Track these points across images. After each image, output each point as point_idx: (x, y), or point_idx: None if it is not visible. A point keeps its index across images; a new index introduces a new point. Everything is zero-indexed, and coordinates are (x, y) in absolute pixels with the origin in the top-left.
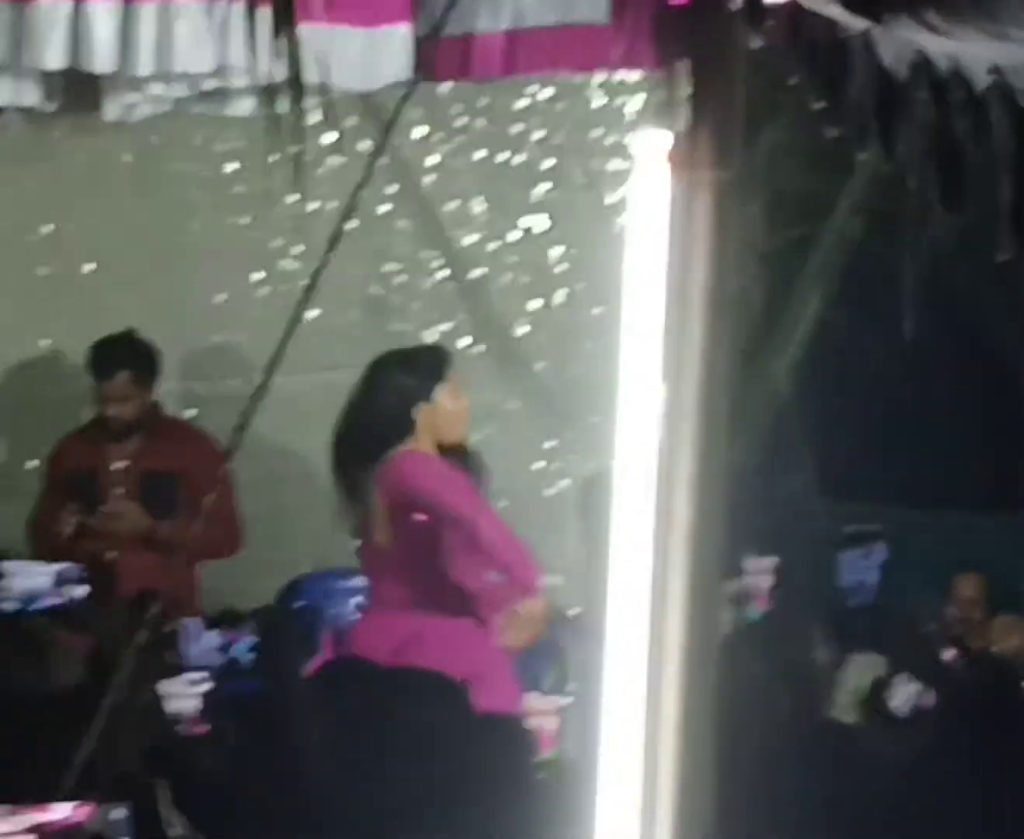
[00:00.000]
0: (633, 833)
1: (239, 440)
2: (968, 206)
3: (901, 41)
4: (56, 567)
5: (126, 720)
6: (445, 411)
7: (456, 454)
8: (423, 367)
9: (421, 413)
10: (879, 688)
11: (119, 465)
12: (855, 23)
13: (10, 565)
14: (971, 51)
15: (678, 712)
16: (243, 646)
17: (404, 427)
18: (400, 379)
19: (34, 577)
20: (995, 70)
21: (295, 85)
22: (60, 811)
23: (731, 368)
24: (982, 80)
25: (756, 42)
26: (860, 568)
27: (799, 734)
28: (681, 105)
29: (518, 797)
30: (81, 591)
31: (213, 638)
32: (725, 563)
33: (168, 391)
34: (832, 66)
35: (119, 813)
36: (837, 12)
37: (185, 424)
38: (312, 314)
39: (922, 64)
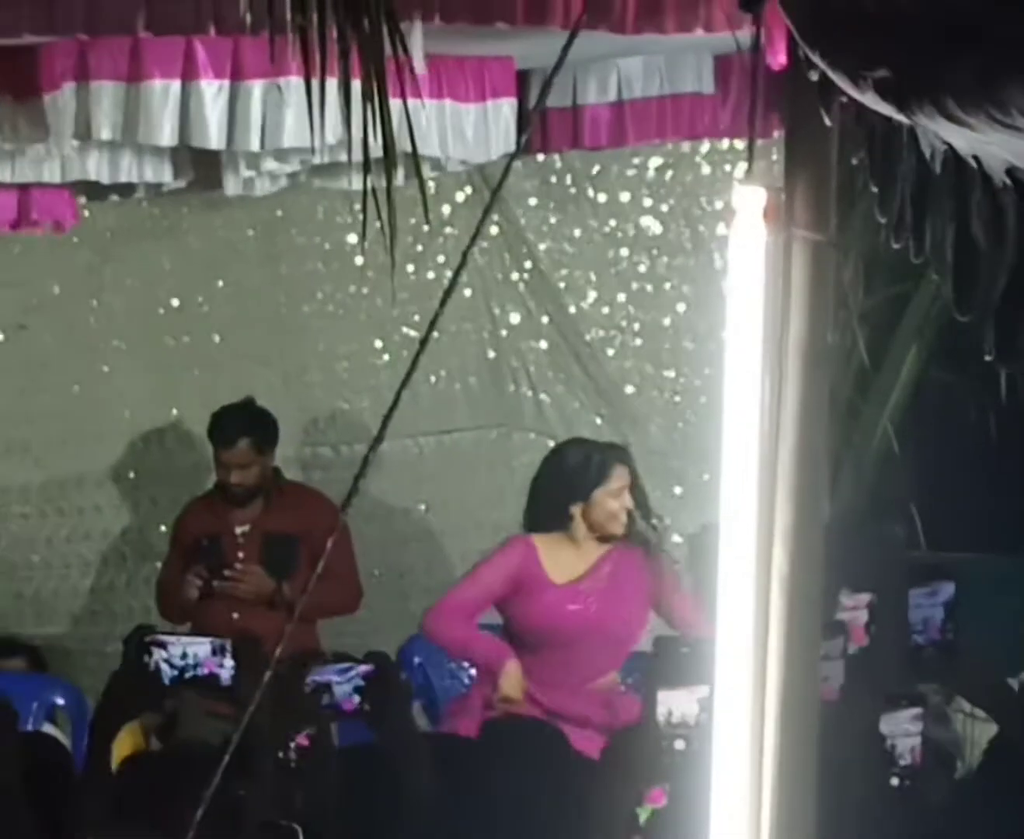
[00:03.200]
0: None
1: (353, 496)
2: (979, 309)
3: (933, 134)
4: (209, 640)
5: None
6: (604, 510)
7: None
8: (592, 466)
9: (579, 510)
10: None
11: (242, 529)
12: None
13: (169, 638)
14: (990, 149)
15: (779, 744)
16: (351, 680)
17: (561, 520)
18: (565, 477)
19: (190, 649)
20: (1010, 170)
21: (388, 158)
22: None
23: (830, 420)
24: (999, 178)
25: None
26: (925, 606)
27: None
28: (777, 166)
29: None
30: (230, 664)
31: (330, 671)
32: (824, 601)
33: (290, 456)
34: (884, 152)
35: None
36: (870, 99)
37: (305, 487)
38: (432, 380)
39: (950, 160)
